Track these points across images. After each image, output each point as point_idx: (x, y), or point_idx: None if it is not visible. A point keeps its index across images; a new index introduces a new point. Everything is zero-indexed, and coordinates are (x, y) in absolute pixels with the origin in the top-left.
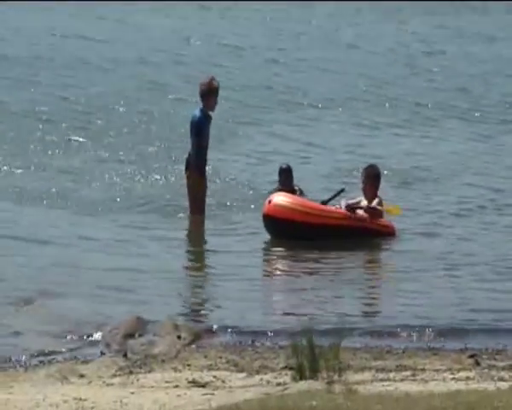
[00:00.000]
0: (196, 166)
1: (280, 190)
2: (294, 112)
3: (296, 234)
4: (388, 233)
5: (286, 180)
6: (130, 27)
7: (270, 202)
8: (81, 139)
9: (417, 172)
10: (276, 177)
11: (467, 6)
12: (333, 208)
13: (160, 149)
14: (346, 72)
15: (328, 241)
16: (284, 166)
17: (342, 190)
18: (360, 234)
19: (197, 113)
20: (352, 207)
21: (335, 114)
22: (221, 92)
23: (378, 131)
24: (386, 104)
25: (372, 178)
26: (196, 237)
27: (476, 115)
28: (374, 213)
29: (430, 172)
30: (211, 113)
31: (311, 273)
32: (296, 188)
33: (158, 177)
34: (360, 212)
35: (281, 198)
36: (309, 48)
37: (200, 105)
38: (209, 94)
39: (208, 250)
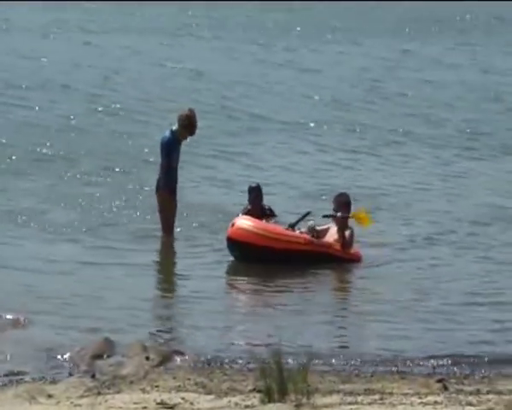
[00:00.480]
0: (166, 185)
1: (249, 209)
2: (261, 136)
3: (258, 258)
4: (353, 261)
5: (255, 199)
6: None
7: (233, 225)
8: (47, 160)
9: (384, 198)
10: (244, 199)
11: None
12: (296, 233)
13: (128, 170)
14: (310, 96)
15: (295, 265)
16: (253, 184)
17: (308, 214)
18: (323, 260)
19: (168, 134)
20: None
21: (302, 137)
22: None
23: (344, 156)
24: (352, 129)
25: (343, 206)
26: (165, 259)
27: (439, 141)
28: (345, 244)
29: (397, 197)
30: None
31: (279, 297)
32: (266, 207)
33: (125, 198)
34: (329, 238)
35: (243, 221)
36: (274, 72)
37: (173, 127)
38: (186, 127)
39: (177, 273)
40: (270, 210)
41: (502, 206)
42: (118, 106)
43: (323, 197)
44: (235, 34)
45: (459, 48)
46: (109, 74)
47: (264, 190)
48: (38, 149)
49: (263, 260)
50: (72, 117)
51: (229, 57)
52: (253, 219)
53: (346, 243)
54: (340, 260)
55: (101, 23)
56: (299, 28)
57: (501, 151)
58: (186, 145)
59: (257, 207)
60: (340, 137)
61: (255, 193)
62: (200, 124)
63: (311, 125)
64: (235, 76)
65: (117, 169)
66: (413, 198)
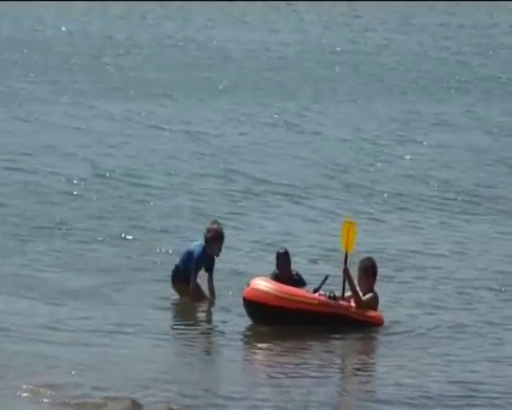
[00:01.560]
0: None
1: (277, 274)
2: (261, 201)
3: (272, 318)
4: (374, 324)
5: (284, 265)
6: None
7: (248, 285)
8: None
9: (394, 263)
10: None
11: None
12: (312, 294)
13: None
14: (310, 158)
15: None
16: (282, 250)
17: (327, 278)
18: (341, 322)
19: (199, 249)
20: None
21: (308, 202)
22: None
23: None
24: (358, 192)
25: (367, 271)
26: (190, 322)
27: (443, 203)
28: (359, 302)
29: (406, 262)
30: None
31: (307, 367)
32: (294, 272)
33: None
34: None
35: (258, 282)
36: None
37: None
38: (214, 240)
39: (204, 336)
40: (299, 275)
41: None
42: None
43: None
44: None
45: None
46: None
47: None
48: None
49: (278, 321)
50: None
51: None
52: (268, 279)
53: (360, 302)
54: (358, 323)
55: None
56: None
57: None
58: None
59: (285, 274)
60: (342, 202)
61: (283, 259)
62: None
63: (311, 189)
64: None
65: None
66: (425, 262)
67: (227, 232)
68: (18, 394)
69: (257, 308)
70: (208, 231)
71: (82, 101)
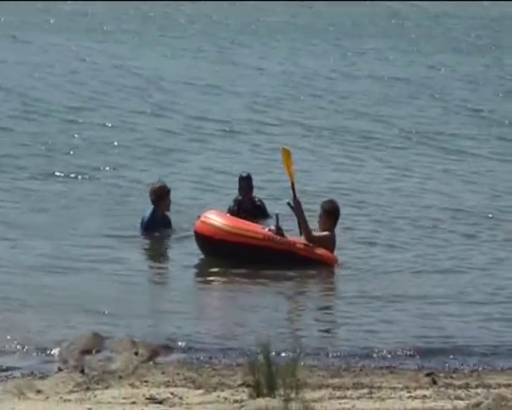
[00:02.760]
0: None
1: (239, 200)
2: (198, 137)
3: (218, 252)
4: (323, 262)
5: (246, 189)
6: None
7: (199, 217)
8: None
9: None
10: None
11: None
12: (258, 229)
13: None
14: (246, 93)
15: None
16: (244, 174)
17: (277, 216)
18: (287, 259)
19: (147, 214)
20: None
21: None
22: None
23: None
24: (295, 126)
25: (328, 213)
26: (153, 255)
27: (384, 139)
28: (309, 237)
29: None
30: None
31: (268, 293)
32: (256, 198)
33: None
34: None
35: (208, 215)
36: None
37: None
38: (161, 199)
39: (165, 269)
40: (261, 202)
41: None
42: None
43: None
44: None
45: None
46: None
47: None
48: None
49: (224, 254)
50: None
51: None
52: (218, 212)
53: (310, 236)
54: (306, 260)
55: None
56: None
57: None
58: None
59: (247, 198)
60: (280, 137)
61: (245, 183)
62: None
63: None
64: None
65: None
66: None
67: (165, 170)
68: None
69: (204, 241)
70: (152, 193)
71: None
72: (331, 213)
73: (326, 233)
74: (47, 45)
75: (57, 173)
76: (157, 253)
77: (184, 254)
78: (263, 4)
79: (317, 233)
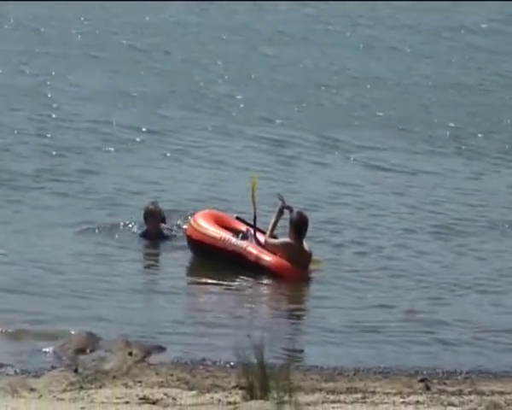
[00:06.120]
0: None
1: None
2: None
3: (193, 251)
4: (267, 269)
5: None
6: None
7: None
8: None
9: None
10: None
11: None
12: (218, 229)
13: None
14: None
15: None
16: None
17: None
18: (237, 261)
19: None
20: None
21: None
22: None
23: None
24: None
25: (291, 224)
26: (149, 257)
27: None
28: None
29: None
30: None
31: (261, 296)
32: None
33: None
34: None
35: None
36: None
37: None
38: (145, 220)
39: (160, 270)
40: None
41: None
42: None
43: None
44: None
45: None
46: None
47: None
48: None
49: (197, 253)
50: None
51: None
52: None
53: (265, 241)
54: (251, 265)
55: None
56: None
57: None
58: None
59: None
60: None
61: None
62: None
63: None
64: None
65: None
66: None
67: None
68: None
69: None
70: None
71: None
72: (295, 225)
73: (280, 240)
74: None
75: None
76: (151, 253)
77: (178, 256)
78: None
79: (272, 240)
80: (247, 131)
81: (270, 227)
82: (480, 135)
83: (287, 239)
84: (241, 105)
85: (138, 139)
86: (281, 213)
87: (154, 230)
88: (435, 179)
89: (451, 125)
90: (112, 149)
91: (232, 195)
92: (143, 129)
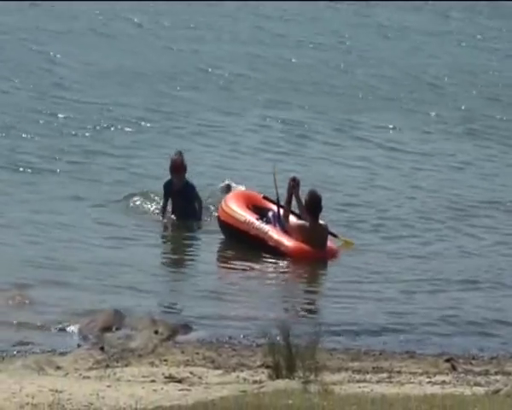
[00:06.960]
0: None
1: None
2: None
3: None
4: (280, 252)
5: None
6: None
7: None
8: None
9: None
10: None
11: None
12: (245, 212)
13: None
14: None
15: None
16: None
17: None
18: (259, 245)
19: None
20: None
21: None
22: None
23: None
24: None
25: (305, 204)
26: (175, 236)
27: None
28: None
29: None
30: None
31: (288, 275)
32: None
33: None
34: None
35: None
36: None
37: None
38: (170, 172)
39: (187, 249)
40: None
41: None
42: None
43: None
44: None
45: None
46: None
47: None
48: None
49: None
50: None
51: None
52: (231, 195)
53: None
54: (271, 249)
55: None
56: None
57: None
58: None
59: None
60: None
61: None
62: None
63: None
64: None
65: None
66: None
67: None
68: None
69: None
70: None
71: None
72: (308, 205)
73: (298, 223)
74: None
75: None
76: (179, 234)
77: (207, 236)
78: None
79: (290, 222)
80: (262, 112)
81: (286, 207)
82: (497, 116)
83: (302, 222)
84: (254, 86)
85: (151, 119)
86: (292, 188)
87: (179, 180)
88: (450, 161)
89: (464, 107)
90: (124, 128)
91: (247, 171)
92: (157, 109)
